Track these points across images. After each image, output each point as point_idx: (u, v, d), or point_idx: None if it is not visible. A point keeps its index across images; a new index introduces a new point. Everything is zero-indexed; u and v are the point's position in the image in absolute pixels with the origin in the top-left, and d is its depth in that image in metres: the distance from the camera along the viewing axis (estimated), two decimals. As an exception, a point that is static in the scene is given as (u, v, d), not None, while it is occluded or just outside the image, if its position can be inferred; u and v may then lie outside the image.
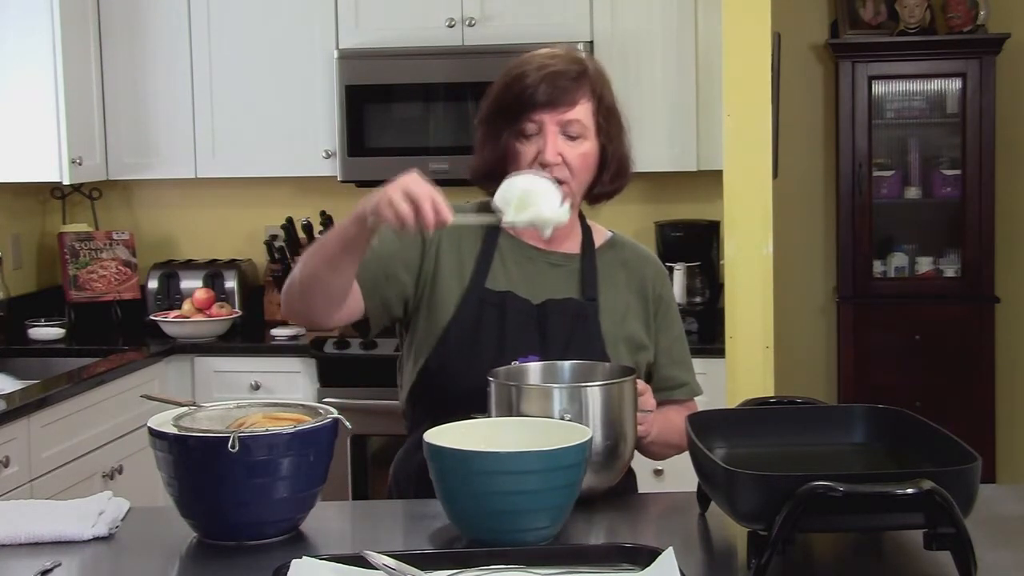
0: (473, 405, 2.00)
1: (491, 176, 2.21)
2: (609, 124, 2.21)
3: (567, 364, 2.12)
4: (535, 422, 1.92)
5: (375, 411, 3.93)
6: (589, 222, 2.32)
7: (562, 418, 1.93)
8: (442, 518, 1.87)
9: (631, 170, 2.27)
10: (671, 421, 2.19)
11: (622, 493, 2.14)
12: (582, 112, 2.17)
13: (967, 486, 1.62)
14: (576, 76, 2.16)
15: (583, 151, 2.17)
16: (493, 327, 2.17)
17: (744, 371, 3.86)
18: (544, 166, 2.14)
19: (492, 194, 2.16)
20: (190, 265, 4.72)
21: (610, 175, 2.23)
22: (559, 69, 2.16)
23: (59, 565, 1.77)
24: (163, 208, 4.92)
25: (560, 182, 2.14)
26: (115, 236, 4.72)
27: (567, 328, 2.19)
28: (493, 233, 2.25)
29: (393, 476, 2.31)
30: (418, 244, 2.23)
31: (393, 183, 1.93)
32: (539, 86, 2.14)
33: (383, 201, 1.91)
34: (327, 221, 4.48)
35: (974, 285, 4.91)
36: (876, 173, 4.97)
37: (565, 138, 2.16)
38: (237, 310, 4.54)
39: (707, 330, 4.25)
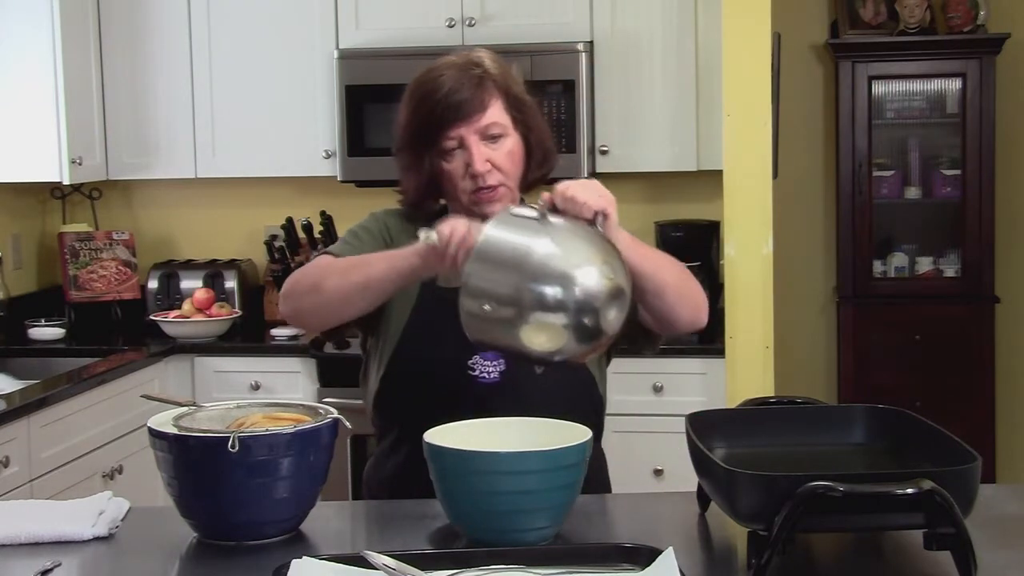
0: (439, 408, 1.97)
1: (422, 203, 2.22)
2: (524, 114, 2.19)
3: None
4: (535, 422, 1.92)
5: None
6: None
7: None
8: (442, 518, 1.87)
9: (555, 150, 2.25)
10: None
11: (593, 485, 2.12)
12: (495, 113, 2.15)
13: (967, 486, 1.62)
14: (478, 80, 2.14)
15: (508, 149, 2.16)
16: (450, 325, 2.10)
17: (744, 371, 3.86)
18: (475, 177, 2.13)
19: (427, 221, 2.18)
20: (190, 265, 4.72)
21: (537, 162, 2.22)
22: (460, 79, 2.14)
23: (59, 565, 1.77)
24: (163, 208, 4.92)
25: (496, 187, 2.13)
26: (115, 236, 4.72)
27: None
28: None
29: (366, 485, 2.30)
30: (383, 242, 2.23)
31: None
32: (446, 101, 2.12)
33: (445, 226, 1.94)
34: (327, 221, 4.47)
35: (974, 285, 4.91)
36: (876, 173, 4.97)
37: (488, 142, 2.14)
38: (237, 310, 4.54)
39: (707, 330, 4.17)
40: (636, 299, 2.05)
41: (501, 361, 2.15)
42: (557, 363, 1.90)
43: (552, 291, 1.81)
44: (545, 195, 1.98)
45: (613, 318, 1.85)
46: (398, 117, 2.22)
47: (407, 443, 2.21)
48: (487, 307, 1.85)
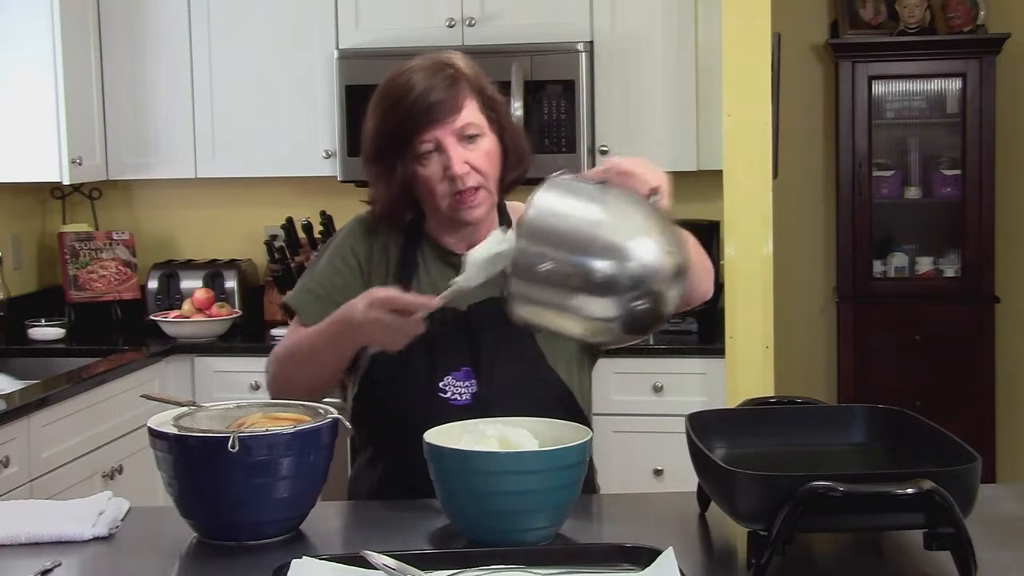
0: (410, 429, 1.92)
1: (393, 214, 2.17)
2: (498, 114, 2.14)
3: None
4: (535, 422, 1.92)
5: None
6: (509, 209, 2.23)
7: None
8: (442, 518, 1.87)
9: (530, 150, 2.19)
10: None
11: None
12: (470, 113, 2.09)
13: (967, 486, 1.62)
14: (451, 80, 2.09)
15: (486, 150, 2.11)
16: (421, 343, 2.07)
17: (744, 371, 3.86)
18: (454, 179, 2.08)
19: (401, 231, 2.17)
20: (190, 265, 4.72)
21: (513, 162, 2.15)
22: (431, 80, 2.08)
23: (59, 565, 1.77)
24: (163, 208, 4.92)
25: (477, 189, 2.08)
26: (115, 236, 4.72)
27: (495, 330, 2.10)
28: (414, 243, 2.19)
29: (349, 496, 2.28)
30: (356, 273, 2.20)
31: (365, 304, 1.96)
32: (419, 103, 2.06)
33: (370, 325, 1.96)
34: (327, 221, 4.47)
35: (974, 285, 4.91)
36: (876, 173, 4.98)
37: (464, 143, 2.09)
38: (237, 310, 4.54)
39: (707, 330, 4.25)
40: None
41: (473, 382, 2.11)
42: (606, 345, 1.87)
43: (616, 267, 1.71)
44: (595, 170, 1.89)
45: (674, 297, 1.76)
46: (365, 126, 2.16)
47: (382, 461, 2.19)
48: (539, 277, 1.73)
